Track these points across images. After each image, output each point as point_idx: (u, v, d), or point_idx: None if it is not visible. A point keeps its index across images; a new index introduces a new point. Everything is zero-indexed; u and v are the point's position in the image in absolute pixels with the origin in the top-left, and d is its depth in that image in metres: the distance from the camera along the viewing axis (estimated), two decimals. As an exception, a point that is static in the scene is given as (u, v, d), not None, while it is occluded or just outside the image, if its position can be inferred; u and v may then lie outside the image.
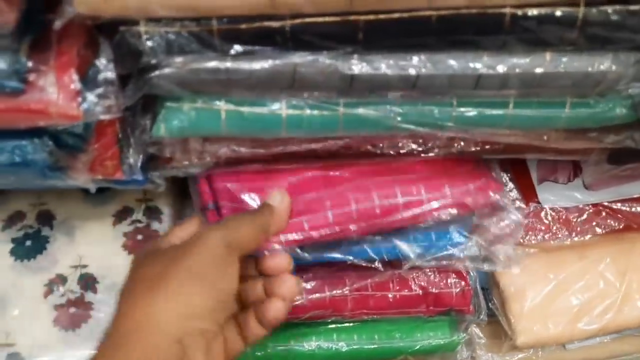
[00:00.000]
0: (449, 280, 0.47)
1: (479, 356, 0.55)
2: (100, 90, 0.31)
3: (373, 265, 0.43)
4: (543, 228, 0.50)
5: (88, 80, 0.31)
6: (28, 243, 0.43)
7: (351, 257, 0.43)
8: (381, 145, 0.41)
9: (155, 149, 0.39)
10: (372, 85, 0.35)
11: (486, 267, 0.44)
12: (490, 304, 0.51)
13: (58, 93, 0.30)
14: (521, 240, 0.49)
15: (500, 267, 0.45)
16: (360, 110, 0.37)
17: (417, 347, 0.47)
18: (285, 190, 0.40)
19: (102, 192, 0.45)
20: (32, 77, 0.29)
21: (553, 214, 0.50)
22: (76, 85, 0.30)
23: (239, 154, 0.41)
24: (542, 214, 0.50)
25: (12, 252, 0.43)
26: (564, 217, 0.50)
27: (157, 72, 0.33)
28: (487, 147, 0.42)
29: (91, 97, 0.31)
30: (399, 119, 0.37)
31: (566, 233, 0.50)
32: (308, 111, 0.37)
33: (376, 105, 0.37)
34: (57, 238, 0.43)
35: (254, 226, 0.35)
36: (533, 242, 0.50)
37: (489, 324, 0.55)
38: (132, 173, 0.39)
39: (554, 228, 0.50)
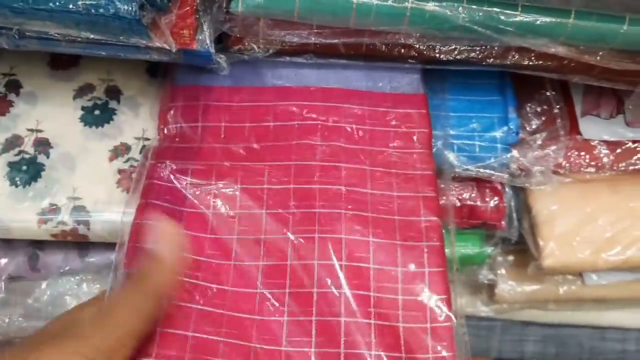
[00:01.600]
0: (485, 195, 0.49)
1: (499, 283, 0.57)
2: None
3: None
4: (580, 159, 0.51)
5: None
6: (97, 112, 0.46)
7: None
8: (438, 49, 0.43)
9: (228, 26, 0.42)
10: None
11: (523, 183, 0.46)
12: (520, 229, 0.53)
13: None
14: (558, 170, 0.51)
15: (535, 184, 0.46)
16: (429, 5, 0.39)
17: (447, 255, 0.49)
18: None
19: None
20: None
21: (592, 146, 0.51)
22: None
23: (302, 41, 0.43)
24: (582, 145, 0.52)
25: (82, 119, 0.46)
26: (602, 150, 0.52)
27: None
28: (540, 62, 0.44)
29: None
30: (464, 16, 0.39)
31: (602, 166, 0.51)
32: (376, 1, 0.39)
33: (444, 1, 0.39)
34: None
35: (141, 297, 0.31)
36: (569, 172, 0.52)
37: (513, 254, 0.57)
38: (204, 46, 0.41)
39: (591, 160, 0.52)
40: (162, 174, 0.39)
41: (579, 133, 0.51)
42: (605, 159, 0.51)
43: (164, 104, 0.45)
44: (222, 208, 0.39)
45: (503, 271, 0.57)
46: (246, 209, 0.39)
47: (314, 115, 0.43)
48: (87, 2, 0.36)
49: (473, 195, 0.48)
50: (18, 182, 0.43)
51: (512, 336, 0.65)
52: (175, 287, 0.34)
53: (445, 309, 0.36)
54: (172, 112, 0.44)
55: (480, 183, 0.49)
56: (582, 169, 0.51)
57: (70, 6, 0.36)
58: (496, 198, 0.49)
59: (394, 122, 0.44)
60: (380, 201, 0.40)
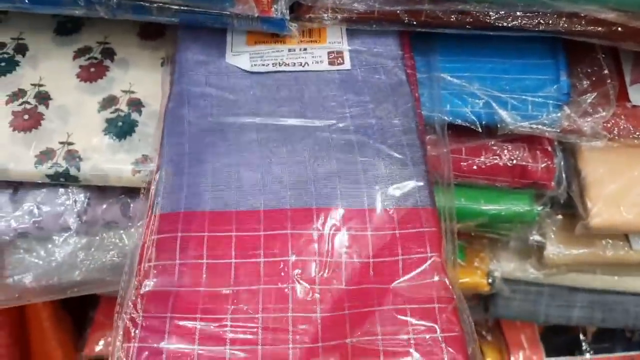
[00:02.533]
0: (536, 156, 0.51)
1: (548, 246, 0.60)
2: None
3: (471, 126, 0.48)
4: (629, 125, 0.54)
5: None
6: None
7: (451, 118, 0.49)
8: (493, 15, 0.47)
9: (301, -4, 0.46)
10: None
11: (574, 139, 0.49)
12: (570, 192, 0.55)
13: None
14: (607, 134, 0.53)
15: (585, 140, 0.49)
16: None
17: (499, 212, 0.53)
18: None
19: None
20: None
21: (640, 113, 0.54)
22: None
23: (367, 9, 0.47)
24: (630, 112, 0.54)
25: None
26: (651, 116, 0.54)
27: None
28: (591, 27, 0.47)
29: None
30: (519, -18, 0.42)
31: (651, 132, 0.54)
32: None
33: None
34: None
35: None
36: (617, 137, 0.54)
37: (561, 218, 0.60)
38: (280, 14, 0.46)
39: (639, 127, 0.54)
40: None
41: (628, 100, 0.54)
42: (652, 125, 0.53)
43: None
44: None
45: (552, 235, 0.60)
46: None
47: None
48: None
49: (525, 155, 0.52)
50: (114, 137, 0.49)
51: (560, 302, 0.68)
52: None
53: None
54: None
55: (531, 145, 0.52)
56: (630, 134, 0.53)
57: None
58: (547, 159, 0.52)
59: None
60: None
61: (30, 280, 0.50)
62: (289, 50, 0.50)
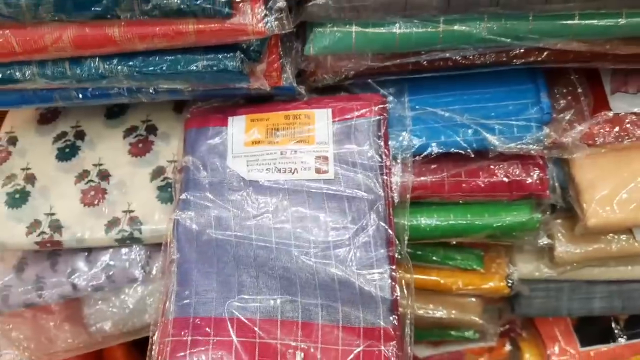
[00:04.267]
0: (529, 170, 0.58)
1: (557, 246, 0.65)
2: (275, 15, 0.47)
3: (465, 152, 0.55)
4: (613, 131, 0.59)
5: (268, 7, 0.47)
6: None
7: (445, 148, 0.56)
8: (471, 56, 0.54)
9: (304, 64, 0.55)
10: (466, 3, 0.47)
11: (558, 154, 0.55)
12: (567, 197, 0.61)
13: (252, 16, 0.46)
14: (593, 142, 0.59)
15: (568, 154, 0.55)
16: (456, 26, 0.50)
17: (502, 223, 0.59)
18: None
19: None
20: (238, 5, 0.45)
21: (622, 119, 0.59)
22: (262, 11, 0.46)
23: (361, 68, 0.55)
24: (613, 119, 0.60)
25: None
26: (632, 121, 0.59)
27: (311, 3, 0.48)
28: (560, 56, 0.53)
29: (271, 19, 0.46)
30: (486, 31, 0.49)
31: (634, 135, 0.59)
32: (415, 29, 0.51)
33: (468, 21, 0.50)
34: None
35: None
36: (604, 143, 0.60)
37: (567, 220, 0.65)
38: (288, 82, 0.54)
39: (622, 132, 0.59)
40: None
41: (609, 108, 0.60)
42: (636, 130, 0.59)
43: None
44: None
45: (560, 236, 0.65)
46: None
47: None
48: (205, 63, 0.50)
49: (519, 171, 0.58)
50: (166, 201, 0.58)
51: (580, 295, 0.73)
52: None
53: None
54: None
55: (524, 160, 0.58)
56: (615, 140, 0.59)
57: (194, 67, 0.50)
58: (539, 171, 0.58)
59: None
60: None
61: (109, 326, 0.60)
62: (281, 153, 0.55)
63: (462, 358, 0.93)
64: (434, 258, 0.68)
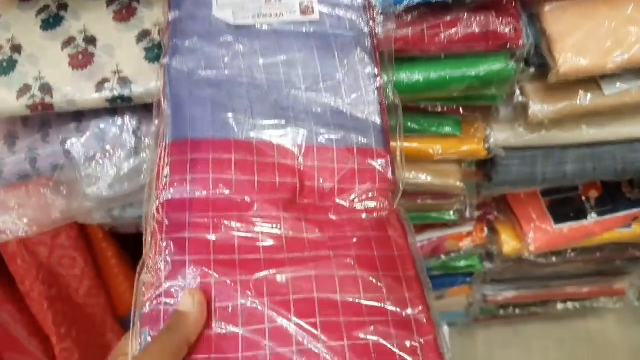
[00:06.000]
0: (504, 20, 0.61)
1: (531, 105, 0.69)
2: None
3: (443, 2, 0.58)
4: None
5: None
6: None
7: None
8: None
9: None
10: None
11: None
12: (540, 52, 0.65)
13: None
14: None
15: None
16: None
17: (480, 73, 0.62)
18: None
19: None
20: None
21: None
22: None
23: None
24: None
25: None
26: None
27: None
28: None
29: None
30: None
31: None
32: None
33: None
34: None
35: (167, 350, 0.35)
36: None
37: (539, 79, 0.69)
38: None
39: (589, -17, 0.62)
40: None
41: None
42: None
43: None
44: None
45: (533, 95, 0.69)
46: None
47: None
48: None
49: (494, 21, 0.61)
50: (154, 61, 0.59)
51: (554, 160, 0.77)
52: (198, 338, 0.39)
53: None
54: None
55: (499, 12, 0.61)
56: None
57: None
58: (514, 21, 0.61)
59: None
60: None
61: (105, 189, 0.61)
62: (266, 1, 0.56)
63: (443, 244, 0.97)
64: (414, 126, 0.71)
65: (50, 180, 0.62)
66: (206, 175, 0.47)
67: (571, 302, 1.21)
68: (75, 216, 0.64)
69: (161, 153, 0.48)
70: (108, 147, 0.62)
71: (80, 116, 0.63)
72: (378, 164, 0.50)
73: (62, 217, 0.63)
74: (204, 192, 0.46)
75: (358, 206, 0.48)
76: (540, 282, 1.14)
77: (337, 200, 0.48)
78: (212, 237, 0.44)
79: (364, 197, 0.48)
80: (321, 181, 0.48)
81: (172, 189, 0.46)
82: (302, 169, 0.49)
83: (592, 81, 0.68)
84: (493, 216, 0.96)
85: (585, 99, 0.68)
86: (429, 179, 0.75)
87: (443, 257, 1.00)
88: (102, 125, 0.62)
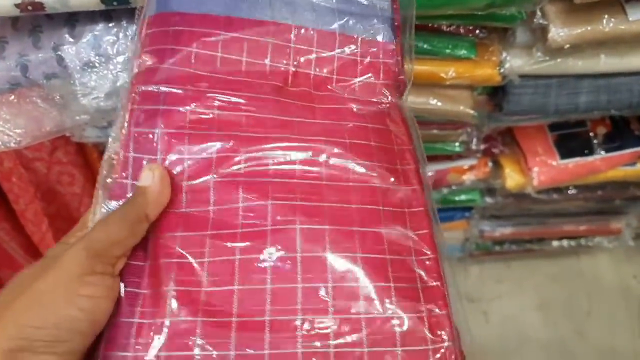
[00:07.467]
0: None
1: (551, 28, 0.65)
2: None
3: None
4: None
5: None
6: None
7: None
8: None
9: None
10: None
11: None
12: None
13: None
14: None
15: None
16: None
17: None
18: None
19: None
20: None
21: None
22: None
23: None
24: None
25: None
26: None
27: None
28: None
29: None
30: None
31: None
32: None
33: None
34: None
35: (126, 221, 0.34)
36: None
37: (562, 3, 0.65)
38: None
39: None
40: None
41: None
42: None
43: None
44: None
45: (554, 17, 0.65)
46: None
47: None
48: None
49: None
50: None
51: (567, 90, 0.75)
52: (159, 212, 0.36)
53: None
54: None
55: None
56: None
57: None
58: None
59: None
60: None
61: (102, 99, 0.58)
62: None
63: (445, 177, 0.96)
64: (427, 47, 0.67)
65: (42, 89, 0.59)
66: (189, 49, 0.42)
67: (566, 240, 1.22)
68: (69, 129, 0.61)
69: (141, 27, 0.43)
70: (103, 55, 0.58)
71: (73, 20, 0.59)
72: (382, 55, 0.46)
73: (57, 129, 0.60)
74: (184, 66, 0.41)
75: (357, 97, 0.44)
76: (538, 219, 1.14)
77: (335, 88, 0.44)
78: (187, 108, 0.40)
79: (364, 89, 0.44)
80: (317, 70, 0.45)
81: (149, 58, 0.41)
82: (297, 54, 0.44)
83: (617, 4, 0.64)
84: (498, 150, 0.94)
85: (608, 24, 0.65)
86: (439, 104, 0.72)
87: (444, 190, 0.99)
88: (97, 31, 0.58)
